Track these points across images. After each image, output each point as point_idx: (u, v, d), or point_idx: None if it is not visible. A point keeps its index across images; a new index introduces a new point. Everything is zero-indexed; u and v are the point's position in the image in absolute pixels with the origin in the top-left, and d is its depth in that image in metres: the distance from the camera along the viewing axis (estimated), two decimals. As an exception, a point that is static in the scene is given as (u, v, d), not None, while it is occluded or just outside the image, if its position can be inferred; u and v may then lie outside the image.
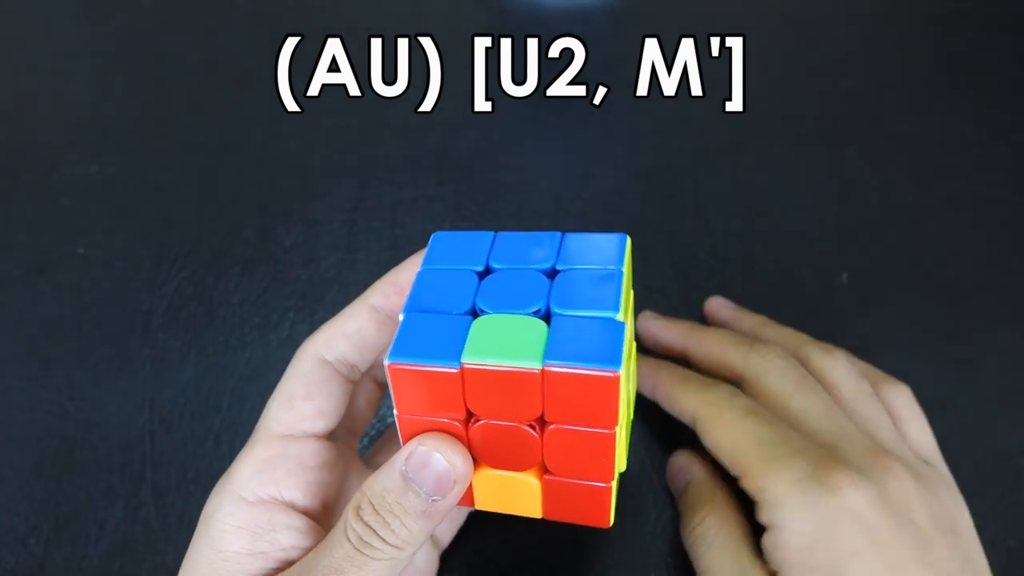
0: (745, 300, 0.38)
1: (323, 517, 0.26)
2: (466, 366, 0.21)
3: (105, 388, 0.38)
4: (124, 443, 0.37)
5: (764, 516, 0.26)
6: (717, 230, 0.42)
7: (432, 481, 0.22)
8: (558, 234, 0.25)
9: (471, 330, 0.22)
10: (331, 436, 0.26)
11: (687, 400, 0.30)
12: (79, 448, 0.36)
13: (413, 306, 0.23)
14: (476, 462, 0.23)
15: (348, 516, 0.22)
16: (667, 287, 0.40)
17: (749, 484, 0.27)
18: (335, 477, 0.26)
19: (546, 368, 0.20)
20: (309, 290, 0.41)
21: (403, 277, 0.26)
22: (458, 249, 0.25)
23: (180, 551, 0.34)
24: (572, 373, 0.20)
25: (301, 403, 0.25)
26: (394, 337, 0.22)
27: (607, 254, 0.24)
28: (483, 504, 0.25)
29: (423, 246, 0.42)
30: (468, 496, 0.24)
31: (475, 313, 0.23)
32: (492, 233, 0.25)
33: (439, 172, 0.45)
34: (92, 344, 0.39)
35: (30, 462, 0.36)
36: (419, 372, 0.21)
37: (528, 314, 0.22)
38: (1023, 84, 0.48)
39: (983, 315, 0.40)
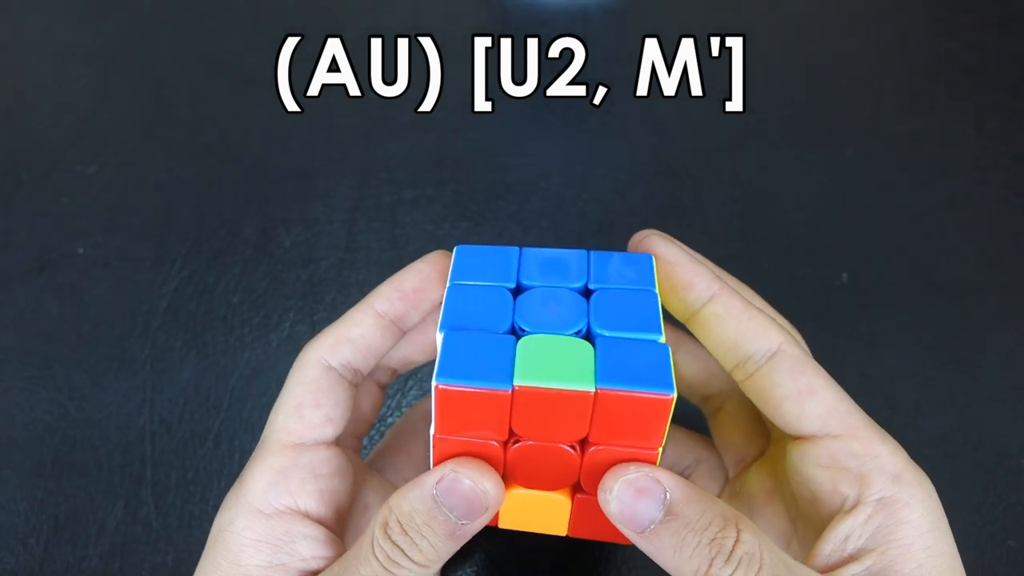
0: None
1: (336, 525, 0.26)
2: (518, 388, 0.21)
3: (105, 388, 0.38)
4: (124, 443, 0.37)
5: (873, 488, 0.23)
6: (717, 230, 0.42)
7: (463, 506, 0.22)
8: (584, 252, 0.25)
9: (518, 351, 0.21)
10: (337, 442, 0.26)
11: (772, 327, 0.25)
12: (79, 448, 0.37)
13: (450, 323, 0.23)
14: (508, 482, 0.23)
15: (375, 533, 0.22)
16: (667, 287, 0.40)
17: (855, 446, 0.23)
18: (346, 484, 0.26)
19: (600, 391, 0.20)
20: (309, 290, 0.41)
21: (407, 283, 0.26)
22: (485, 264, 0.24)
23: (180, 551, 0.34)
24: (627, 395, 0.20)
25: (310, 411, 0.25)
26: (414, 350, 0.22)
27: (638, 274, 0.24)
28: (507, 523, 0.25)
29: (423, 246, 0.42)
30: (492, 516, 0.24)
31: (515, 332, 0.23)
32: (517, 248, 0.25)
33: (439, 172, 0.45)
34: (92, 344, 0.39)
35: (30, 462, 0.36)
36: (468, 394, 0.21)
37: (571, 334, 0.22)
38: (1023, 84, 0.48)
39: (983, 315, 0.40)
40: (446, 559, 0.23)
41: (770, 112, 0.47)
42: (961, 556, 0.23)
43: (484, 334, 0.22)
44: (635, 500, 0.21)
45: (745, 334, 0.25)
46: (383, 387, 0.30)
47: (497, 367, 0.21)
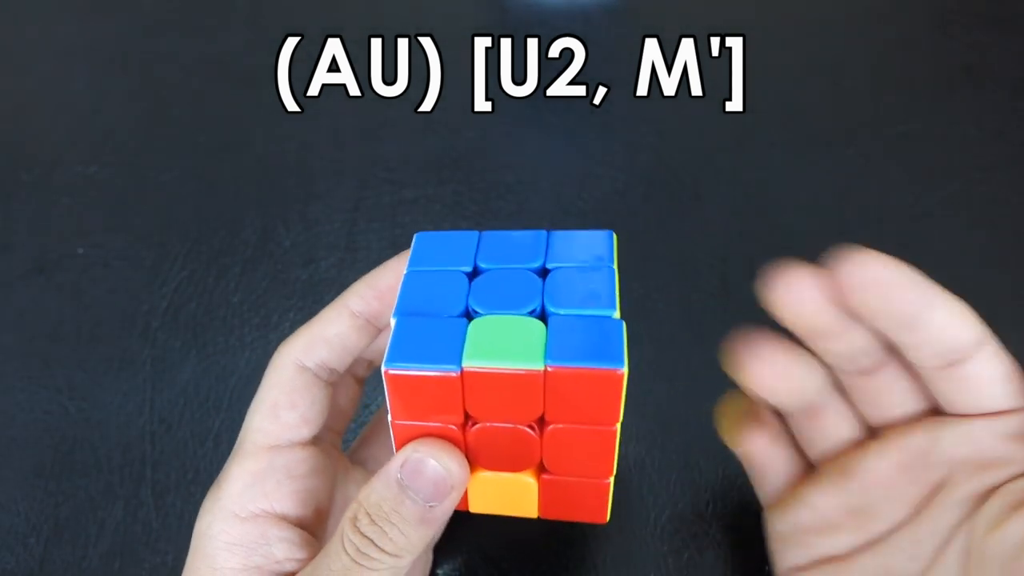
0: (745, 300, 0.38)
1: (316, 525, 0.25)
2: (467, 369, 0.21)
3: (105, 388, 0.38)
4: (124, 443, 0.37)
5: None
6: (717, 230, 0.42)
7: (429, 487, 0.22)
8: (544, 232, 0.25)
9: (468, 332, 0.21)
10: (315, 440, 0.26)
11: (969, 318, 0.24)
12: (79, 448, 0.36)
13: (404, 309, 0.22)
14: (472, 465, 0.23)
15: (345, 528, 0.22)
16: (667, 287, 0.40)
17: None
18: (325, 482, 0.26)
19: (549, 368, 0.20)
20: (309, 290, 0.41)
21: (383, 281, 0.26)
22: (443, 250, 0.24)
23: (180, 551, 0.34)
24: (577, 371, 0.20)
25: (285, 412, 0.25)
26: (388, 342, 0.22)
27: (596, 251, 0.24)
28: (478, 507, 0.25)
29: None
30: (463, 500, 0.24)
31: (468, 315, 0.22)
32: (476, 233, 0.25)
33: (439, 172, 0.45)
34: (92, 344, 0.39)
35: (30, 462, 0.36)
36: (418, 377, 0.21)
37: (524, 314, 0.22)
38: (1023, 84, 0.48)
39: (983, 315, 0.39)
40: (420, 548, 0.23)
41: (770, 112, 0.47)
42: (961, 556, 0.23)
43: (436, 318, 0.22)
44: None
45: (940, 323, 0.24)
46: (361, 380, 0.30)
47: (447, 350, 0.21)
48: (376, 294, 0.26)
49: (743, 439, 0.28)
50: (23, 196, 0.45)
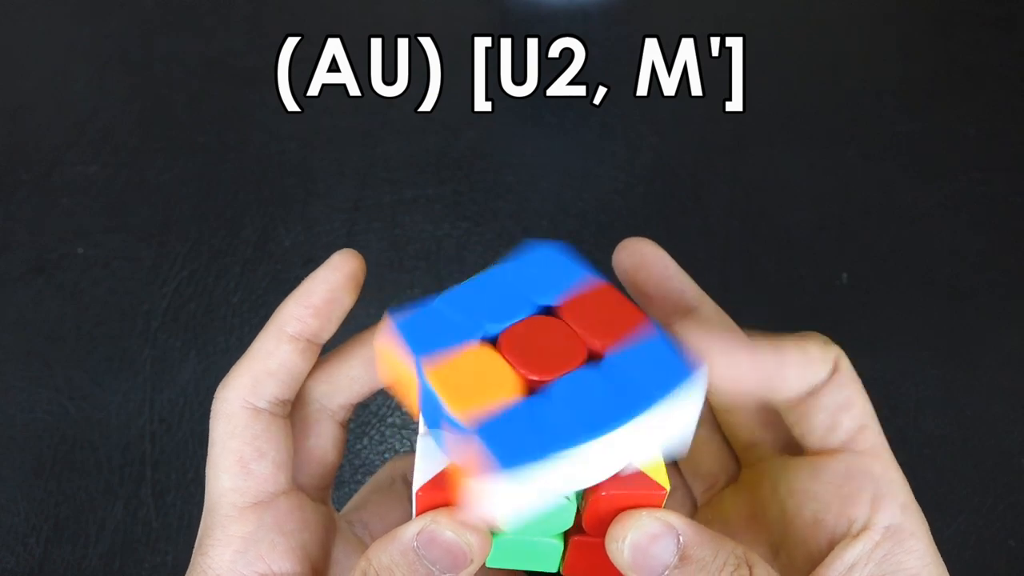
0: (745, 300, 0.38)
1: None
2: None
3: (105, 388, 0.38)
4: (124, 443, 0.37)
5: (885, 513, 0.23)
6: (717, 230, 0.42)
7: (447, 559, 0.20)
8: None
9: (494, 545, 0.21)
10: (296, 485, 0.24)
11: (829, 348, 0.24)
12: (79, 448, 0.36)
13: (431, 420, 0.21)
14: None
15: None
16: (667, 287, 0.40)
17: (875, 466, 0.23)
18: (316, 535, 0.24)
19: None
20: (309, 290, 0.41)
21: (315, 297, 0.24)
22: (437, 326, 0.21)
23: (180, 551, 0.34)
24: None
25: (256, 464, 0.23)
26: (354, 373, 0.21)
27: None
28: (495, 562, 0.24)
29: (423, 246, 0.42)
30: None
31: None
32: (447, 294, 0.22)
33: (439, 172, 0.45)
34: (92, 344, 0.39)
35: (30, 462, 0.36)
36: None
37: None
38: (1023, 84, 0.48)
39: (983, 315, 0.40)
40: None
41: (770, 112, 0.47)
42: (961, 556, 0.23)
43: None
44: (648, 546, 0.20)
45: (797, 361, 0.23)
46: (345, 425, 0.27)
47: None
48: (311, 312, 0.24)
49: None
50: (23, 196, 0.45)
